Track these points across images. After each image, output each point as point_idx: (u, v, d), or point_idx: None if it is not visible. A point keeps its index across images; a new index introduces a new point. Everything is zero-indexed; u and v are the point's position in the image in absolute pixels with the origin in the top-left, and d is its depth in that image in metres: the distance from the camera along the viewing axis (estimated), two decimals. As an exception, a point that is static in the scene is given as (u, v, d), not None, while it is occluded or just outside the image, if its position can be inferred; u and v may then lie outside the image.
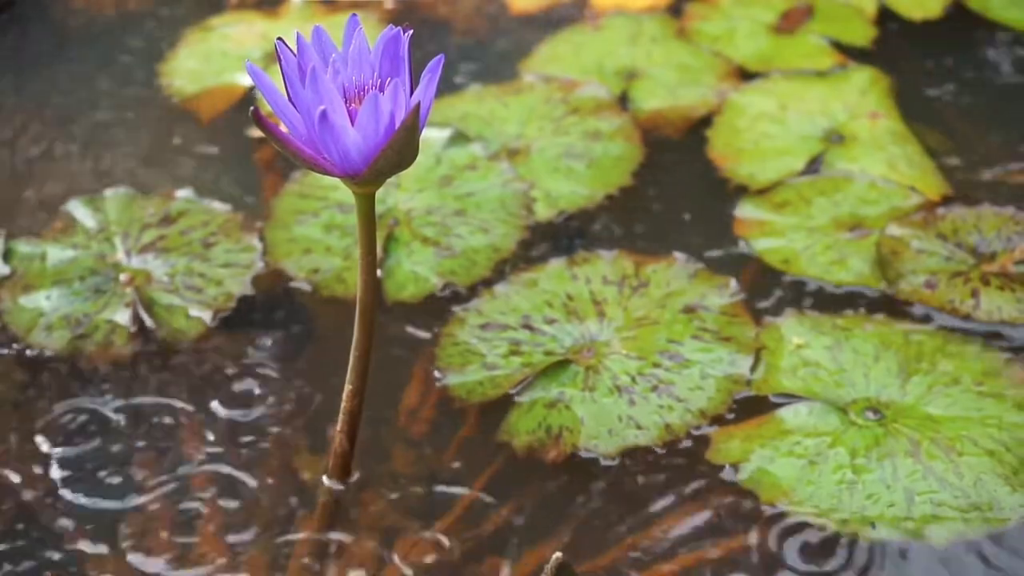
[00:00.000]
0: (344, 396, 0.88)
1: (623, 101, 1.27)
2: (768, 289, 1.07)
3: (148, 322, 1.04)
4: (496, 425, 0.96)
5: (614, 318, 1.02)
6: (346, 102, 0.77)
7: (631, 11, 1.40)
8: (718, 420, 0.95)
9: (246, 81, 1.31)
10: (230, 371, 1.02)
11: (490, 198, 1.14)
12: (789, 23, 1.37)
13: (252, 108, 0.75)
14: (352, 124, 0.75)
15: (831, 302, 1.05)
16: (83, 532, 0.90)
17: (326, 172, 0.78)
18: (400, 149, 0.76)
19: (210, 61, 1.34)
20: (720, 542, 0.88)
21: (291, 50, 0.78)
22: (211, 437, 0.97)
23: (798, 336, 1.00)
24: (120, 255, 1.10)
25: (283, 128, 0.78)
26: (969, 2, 1.39)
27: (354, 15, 0.79)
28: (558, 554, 0.76)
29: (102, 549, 0.89)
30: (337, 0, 1.44)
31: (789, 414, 0.94)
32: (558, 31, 1.38)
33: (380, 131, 0.75)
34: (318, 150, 0.77)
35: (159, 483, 0.93)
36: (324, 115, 0.74)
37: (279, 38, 0.78)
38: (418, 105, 0.75)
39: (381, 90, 0.77)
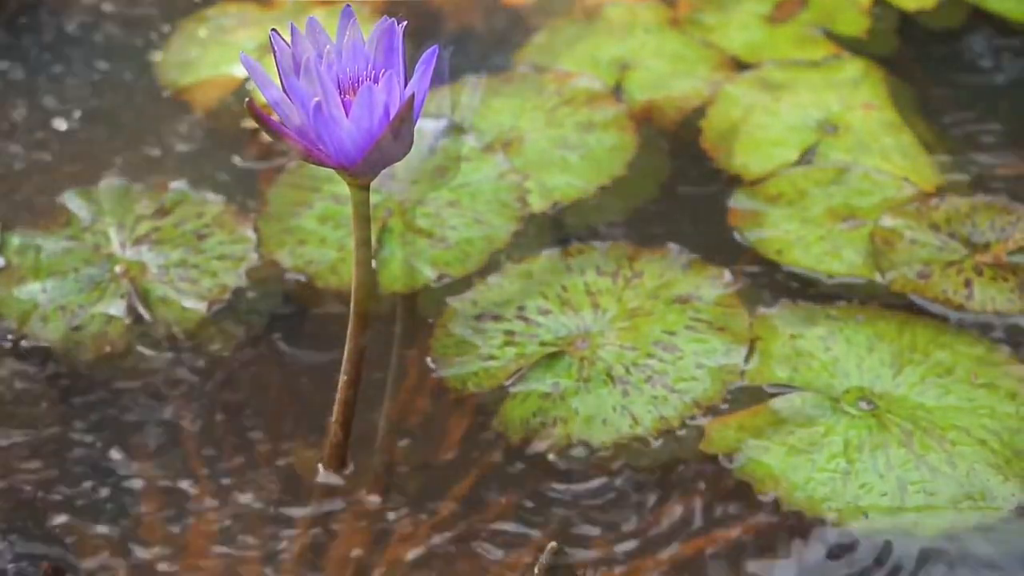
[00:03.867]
0: (339, 386, 0.88)
1: (617, 92, 1.27)
2: (762, 280, 1.07)
3: (143, 314, 1.04)
4: (491, 416, 0.96)
5: (608, 309, 1.02)
6: (340, 94, 0.77)
7: (623, 0, 1.40)
8: (712, 410, 0.95)
9: (240, 72, 1.30)
10: (225, 362, 1.02)
11: (484, 189, 1.14)
12: (782, 13, 1.37)
13: (247, 100, 0.75)
14: (347, 115, 0.75)
15: (824, 293, 1.05)
16: (78, 523, 0.90)
17: (321, 163, 0.78)
18: (394, 141, 0.76)
19: (204, 52, 1.34)
20: (714, 532, 0.88)
21: (285, 41, 0.78)
22: (206, 428, 0.97)
23: (791, 326, 1.00)
24: (115, 247, 1.10)
25: (277, 119, 0.78)
26: (963, -7, 1.39)
27: (348, 6, 0.79)
28: (552, 544, 0.77)
29: (97, 540, 0.89)
30: (331, -9, 1.44)
31: (783, 404, 0.95)
32: (550, 21, 1.38)
33: (374, 122, 0.75)
34: (313, 141, 0.77)
35: (154, 474, 0.93)
36: (319, 106, 0.74)
37: (273, 29, 0.78)
38: (412, 96, 0.75)
39: (375, 82, 0.77)
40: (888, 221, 1.09)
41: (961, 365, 0.97)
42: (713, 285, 1.04)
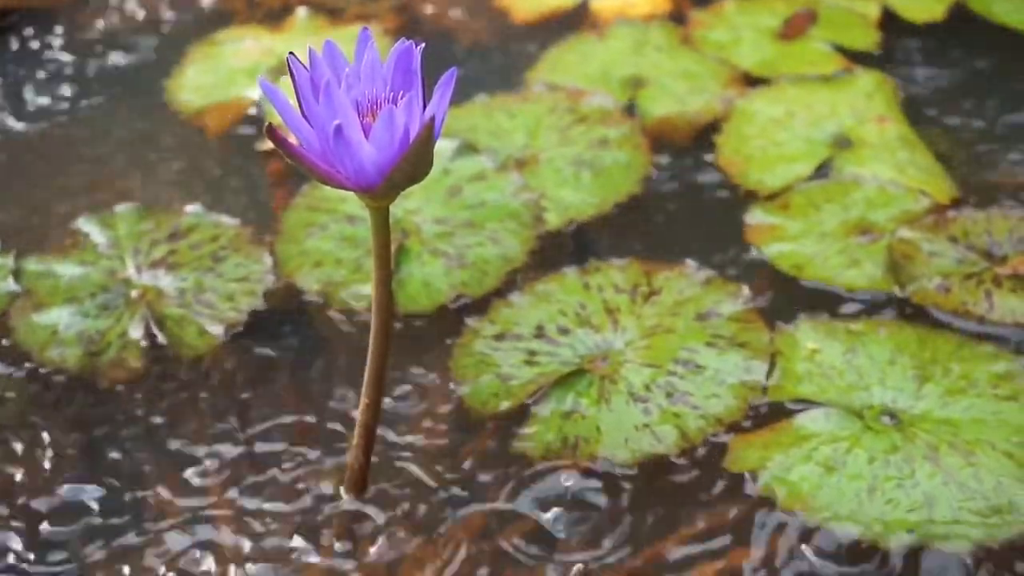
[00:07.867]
0: (360, 410, 0.88)
1: (630, 109, 1.27)
2: (780, 295, 1.06)
3: (160, 338, 1.04)
4: (512, 436, 0.96)
5: (627, 327, 1.02)
6: (360, 116, 0.77)
7: (632, 18, 1.40)
8: (735, 427, 0.95)
9: (253, 95, 1.31)
10: (243, 386, 1.02)
11: (499, 208, 1.14)
12: (792, 29, 1.37)
13: (267, 124, 0.75)
14: (367, 138, 0.75)
15: (844, 307, 1.04)
16: (99, 549, 0.90)
17: (341, 186, 0.78)
18: (415, 162, 0.76)
19: (216, 75, 1.34)
20: (739, 551, 0.88)
21: (303, 65, 0.77)
22: (225, 452, 0.96)
23: (812, 341, 1.00)
24: (131, 271, 1.09)
25: (295, 142, 0.78)
26: (972, 5, 1.39)
27: (365, 29, 0.79)
28: (579, 566, 0.76)
29: (116, 567, 0.89)
30: (342, 13, 1.44)
31: (806, 420, 0.94)
32: (562, 40, 1.38)
33: (395, 145, 0.75)
34: (332, 164, 0.77)
35: (173, 499, 0.93)
36: (339, 130, 0.74)
37: (291, 53, 0.78)
38: (432, 118, 0.75)
39: (394, 104, 0.76)
40: (905, 234, 1.09)
41: (983, 378, 0.96)
42: (732, 301, 1.04)
